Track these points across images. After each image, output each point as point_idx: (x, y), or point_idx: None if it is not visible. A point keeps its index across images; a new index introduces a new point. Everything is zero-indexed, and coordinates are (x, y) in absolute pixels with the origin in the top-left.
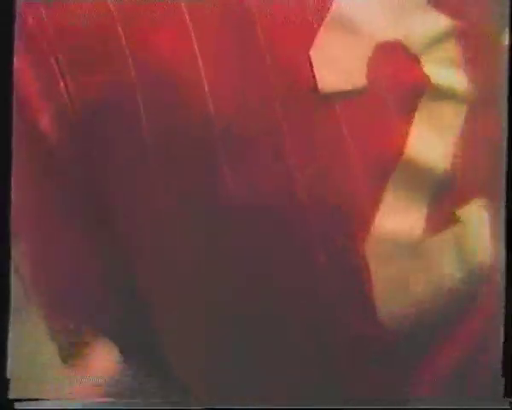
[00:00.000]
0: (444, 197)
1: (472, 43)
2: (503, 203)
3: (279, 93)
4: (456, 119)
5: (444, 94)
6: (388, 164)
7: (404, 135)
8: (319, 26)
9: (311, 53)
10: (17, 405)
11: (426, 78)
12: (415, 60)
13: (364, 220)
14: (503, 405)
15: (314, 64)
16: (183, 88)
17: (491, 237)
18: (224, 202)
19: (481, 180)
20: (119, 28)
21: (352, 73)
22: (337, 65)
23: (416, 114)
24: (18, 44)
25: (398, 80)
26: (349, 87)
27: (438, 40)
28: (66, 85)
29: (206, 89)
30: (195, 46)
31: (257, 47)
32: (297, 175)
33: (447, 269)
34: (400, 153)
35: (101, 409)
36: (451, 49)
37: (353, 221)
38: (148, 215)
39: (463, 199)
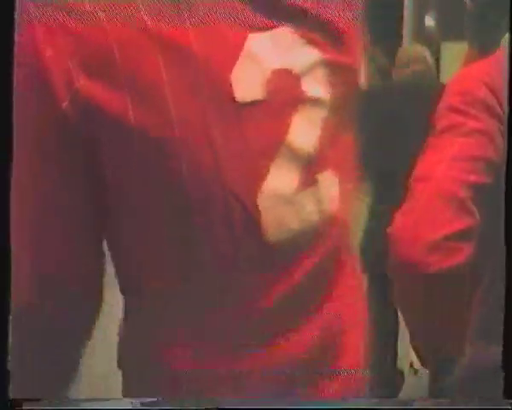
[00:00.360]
0: (309, 167)
1: (334, 70)
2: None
3: (212, 103)
4: (320, 118)
5: (313, 103)
6: (275, 146)
7: (287, 128)
8: (236, 59)
9: (232, 76)
10: (17, 404)
11: (303, 92)
12: (296, 80)
13: (258, 182)
14: (502, 405)
15: (233, 83)
16: (153, 100)
17: (339, 196)
18: (172, 177)
19: (335, 158)
20: (116, 51)
21: (257, 89)
22: (247, 84)
23: (296, 115)
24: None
25: (285, 94)
26: (254, 98)
27: (311, 67)
28: (78, 83)
29: (170, 104)
30: (163, 75)
31: (198, 75)
32: (225, 164)
33: (310, 213)
34: (283, 139)
35: (103, 409)
36: (321, 73)
37: (251, 183)
38: (132, 184)
39: (322, 169)
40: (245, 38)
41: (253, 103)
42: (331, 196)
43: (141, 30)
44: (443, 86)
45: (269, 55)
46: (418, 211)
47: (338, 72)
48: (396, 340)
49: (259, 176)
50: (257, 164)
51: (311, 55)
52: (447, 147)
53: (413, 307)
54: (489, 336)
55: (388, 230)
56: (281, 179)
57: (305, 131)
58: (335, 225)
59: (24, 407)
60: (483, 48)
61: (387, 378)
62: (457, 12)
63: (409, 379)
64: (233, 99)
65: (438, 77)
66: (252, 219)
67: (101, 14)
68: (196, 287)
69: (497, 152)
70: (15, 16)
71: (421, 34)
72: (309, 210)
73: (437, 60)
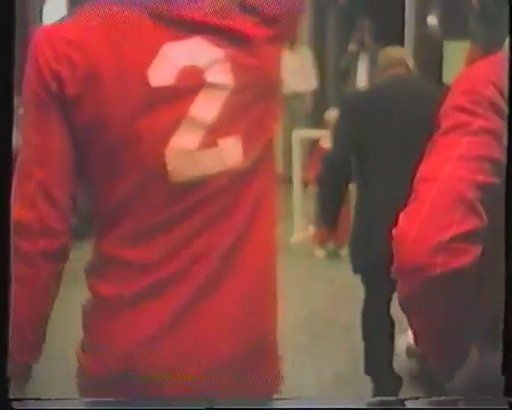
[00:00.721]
0: (213, 132)
1: (239, 65)
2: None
3: (134, 88)
4: (223, 98)
5: (216, 87)
6: (180, 117)
7: (190, 103)
8: (154, 58)
9: (149, 70)
10: (16, 404)
11: (205, 80)
12: (200, 72)
13: (165, 142)
14: (502, 405)
15: (150, 75)
16: (97, 85)
17: (242, 156)
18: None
19: (237, 126)
20: (76, 56)
21: (167, 78)
22: (160, 75)
23: (199, 94)
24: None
25: (190, 81)
26: (169, 84)
27: (216, 62)
28: (58, 74)
29: (108, 89)
30: (105, 71)
31: (127, 71)
32: (141, 129)
33: (213, 166)
34: (187, 112)
35: (102, 409)
36: (223, 67)
37: (160, 141)
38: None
39: (226, 135)
40: (161, 46)
41: (164, 88)
42: (234, 156)
43: (94, 41)
44: (425, 89)
45: (179, 56)
46: (423, 212)
47: (243, 66)
48: (391, 340)
49: (167, 137)
50: (165, 129)
51: (215, 53)
52: (453, 146)
53: (418, 309)
54: (494, 337)
55: (393, 231)
56: (184, 139)
57: (206, 107)
58: (238, 173)
59: (23, 407)
60: (487, 45)
61: (386, 379)
62: (460, 11)
63: (407, 379)
64: (149, 85)
65: (441, 78)
66: (159, 166)
67: (72, 36)
68: (121, 204)
69: (504, 152)
70: (35, 34)
71: (423, 33)
72: (211, 165)
73: (439, 58)
